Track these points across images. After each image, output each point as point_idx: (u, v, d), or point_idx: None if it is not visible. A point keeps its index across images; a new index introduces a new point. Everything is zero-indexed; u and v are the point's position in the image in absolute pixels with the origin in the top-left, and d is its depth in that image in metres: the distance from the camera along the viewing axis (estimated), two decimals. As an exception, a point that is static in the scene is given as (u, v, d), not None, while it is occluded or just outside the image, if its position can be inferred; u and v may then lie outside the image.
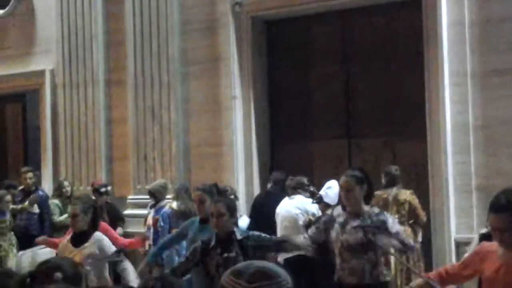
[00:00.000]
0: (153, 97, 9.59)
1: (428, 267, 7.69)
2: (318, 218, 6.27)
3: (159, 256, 7.21)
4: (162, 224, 8.00)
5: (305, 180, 7.67)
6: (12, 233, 9.12)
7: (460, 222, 7.77)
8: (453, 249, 7.77)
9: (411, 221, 7.68)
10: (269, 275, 2.15)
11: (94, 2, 10.19)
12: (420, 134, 8.18)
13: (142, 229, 8.58)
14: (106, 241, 5.77)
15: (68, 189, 9.66)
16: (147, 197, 8.75)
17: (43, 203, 9.56)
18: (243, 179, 9.11)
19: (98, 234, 5.77)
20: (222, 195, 7.87)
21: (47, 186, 10.43)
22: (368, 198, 5.23)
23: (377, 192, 7.74)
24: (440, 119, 7.87)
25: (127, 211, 9.62)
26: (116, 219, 9.12)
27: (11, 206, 9.22)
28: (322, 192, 7.00)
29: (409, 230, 7.63)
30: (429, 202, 8.00)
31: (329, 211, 5.70)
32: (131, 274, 5.75)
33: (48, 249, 7.50)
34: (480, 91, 7.72)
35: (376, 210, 5.22)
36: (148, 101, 9.62)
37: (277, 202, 7.71)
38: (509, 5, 7.66)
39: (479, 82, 7.73)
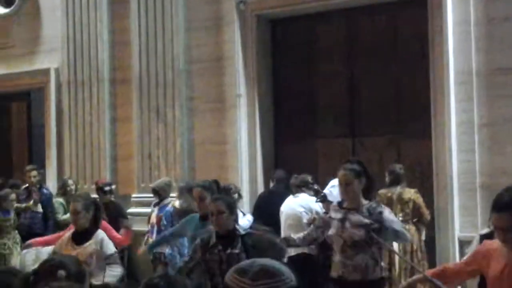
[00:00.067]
0: (158, 95, 9.60)
1: (432, 265, 7.67)
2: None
3: (157, 247, 7.26)
4: (165, 223, 8.00)
5: (309, 178, 7.67)
6: (16, 231, 9.14)
7: (464, 220, 7.76)
8: (457, 248, 7.76)
9: (415, 220, 7.68)
10: (273, 273, 2.15)
11: (100, 1, 10.21)
12: (425, 132, 8.17)
13: (146, 228, 8.60)
14: (107, 240, 5.73)
15: (73, 187, 9.67)
16: (151, 195, 8.76)
17: (47, 201, 9.58)
18: (247, 177, 9.11)
19: (100, 233, 5.73)
20: (225, 193, 7.90)
21: (51, 185, 10.46)
22: (367, 192, 5.16)
23: (381, 191, 7.75)
24: (445, 118, 7.86)
25: (131, 210, 9.64)
26: (121, 218, 9.12)
27: (15, 205, 9.24)
28: (326, 191, 6.99)
29: (413, 228, 7.63)
30: (433, 200, 7.99)
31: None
32: (112, 276, 5.65)
33: (52, 248, 7.50)
34: (485, 89, 7.71)
35: (374, 204, 5.14)
36: (152, 100, 9.63)
37: (281, 200, 7.72)
38: (514, 3, 7.65)
39: (484, 81, 7.71)
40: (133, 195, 9.79)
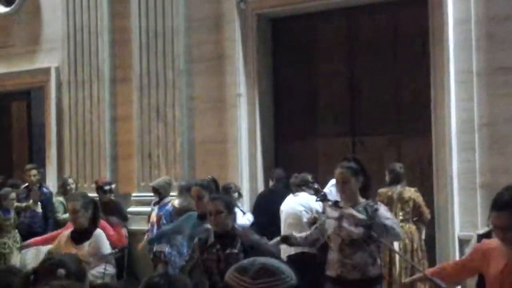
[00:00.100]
0: (158, 95, 9.60)
1: (432, 265, 7.67)
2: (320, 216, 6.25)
3: (157, 241, 7.27)
4: (164, 222, 7.99)
5: (309, 177, 7.68)
6: (16, 230, 9.15)
7: (464, 220, 7.76)
8: (457, 247, 7.76)
9: (415, 219, 7.68)
10: (273, 272, 2.16)
11: (100, 0, 10.21)
12: (425, 131, 8.17)
13: (146, 227, 8.60)
14: (104, 240, 5.68)
15: (73, 186, 9.68)
16: (151, 194, 8.76)
17: (47, 200, 9.58)
18: (247, 176, 9.11)
19: (98, 232, 5.70)
20: (225, 192, 7.90)
21: (51, 184, 10.46)
22: (364, 190, 5.13)
23: (382, 190, 7.75)
24: (446, 117, 7.86)
25: (131, 208, 9.64)
26: (121, 218, 9.13)
27: (16, 204, 9.24)
28: (326, 190, 7.00)
29: (413, 227, 7.63)
30: (433, 199, 7.99)
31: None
32: (106, 275, 5.63)
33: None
34: (486, 88, 7.70)
35: (371, 202, 5.11)
36: (153, 99, 9.63)
37: (281, 199, 7.73)
38: (515, 2, 7.65)
39: (484, 80, 7.71)
40: (133, 194, 9.79)
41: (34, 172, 9.83)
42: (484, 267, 3.73)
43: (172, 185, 8.73)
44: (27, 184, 9.85)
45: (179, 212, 7.64)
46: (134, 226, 9.25)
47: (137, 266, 9.15)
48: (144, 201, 9.35)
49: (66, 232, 5.93)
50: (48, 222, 9.41)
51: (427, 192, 7.98)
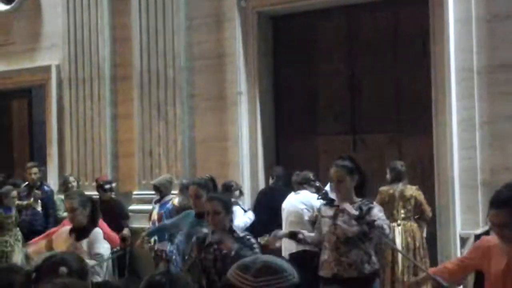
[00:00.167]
0: (159, 92, 9.60)
1: (433, 263, 7.69)
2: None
3: (154, 236, 7.27)
4: (165, 220, 7.99)
5: (311, 175, 7.68)
6: (18, 228, 9.15)
7: (466, 218, 7.76)
8: (458, 245, 7.75)
9: (416, 217, 7.69)
10: (275, 270, 2.16)
11: (100, -2, 10.22)
12: (426, 130, 8.17)
13: (147, 225, 8.60)
14: (100, 239, 5.56)
15: (74, 184, 9.68)
16: (152, 192, 8.77)
17: (47, 198, 9.59)
18: (248, 174, 9.11)
19: (96, 231, 5.60)
20: (226, 190, 7.91)
21: (52, 182, 10.47)
22: (359, 189, 5.13)
23: (383, 188, 7.76)
24: (446, 115, 7.85)
25: (132, 207, 9.64)
26: (122, 216, 9.13)
27: (17, 202, 9.25)
28: (327, 188, 6.99)
29: (415, 225, 7.64)
30: (434, 197, 7.99)
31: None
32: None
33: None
34: (487, 87, 7.70)
35: (366, 201, 5.11)
36: (153, 97, 9.63)
37: (282, 197, 7.73)
38: (516, 0, 7.65)
39: (485, 78, 7.71)
40: (134, 192, 9.79)
41: (35, 170, 9.83)
42: (484, 265, 3.74)
43: (173, 183, 8.74)
44: (27, 182, 9.85)
45: (179, 210, 7.65)
46: (135, 224, 9.24)
47: (139, 265, 9.15)
48: (145, 199, 9.36)
49: (64, 228, 5.87)
50: (49, 220, 9.42)
51: (428, 190, 7.98)
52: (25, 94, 11.55)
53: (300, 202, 7.49)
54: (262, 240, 5.94)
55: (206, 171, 8.36)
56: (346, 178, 5.06)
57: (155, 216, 8.39)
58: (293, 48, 9.30)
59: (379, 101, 8.73)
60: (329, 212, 5.15)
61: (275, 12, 9.32)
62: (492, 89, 7.67)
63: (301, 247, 6.96)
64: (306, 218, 7.35)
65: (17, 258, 8.65)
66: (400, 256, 7.40)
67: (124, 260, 8.78)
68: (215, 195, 5.47)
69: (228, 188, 8.12)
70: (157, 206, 8.49)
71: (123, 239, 8.44)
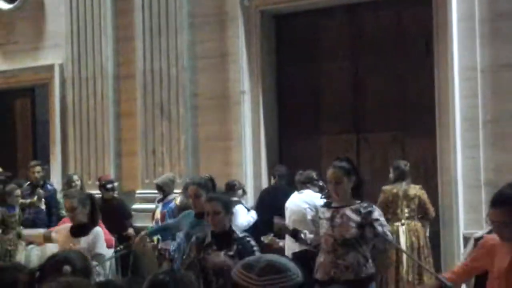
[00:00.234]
0: (162, 91, 9.60)
1: (437, 262, 7.69)
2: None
3: (155, 235, 7.27)
4: (168, 220, 7.98)
5: (314, 174, 7.67)
6: (21, 227, 9.16)
7: (469, 217, 7.75)
8: (462, 245, 7.74)
9: (420, 216, 7.68)
10: (279, 269, 2.16)
11: (103, -3, 10.22)
12: (429, 129, 8.16)
13: (150, 224, 8.60)
14: (100, 239, 5.56)
15: (78, 183, 9.66)
16: (156, 191, 8.76)
17: (51, 197, 9.60)
18: (251, 174, 9.11)
19: (97, 230, 5.58)
20: (230, 189, 7.90)
21: (56, 181, 10.47)
22: (356, 190, 5.11)
23: (386, 187, 7.75)
24: (450, 114, 7.84)
25: (135, 206, 9.65)
26: (124, 215, 9.13)
27: (20, 201, 9.25)
28: (330, 187, 6.98)
29: (419, 225, 7.63)
30: (438, 197, 7.98)
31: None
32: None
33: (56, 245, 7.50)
34: (490, 86, 7.69)
35: (365, 203, 5.10)
36: (156, 96, 9.63)
37: (284, 196, 7.72)
38: (519, -1, 7.64)
39: (489, 77, 7.70)
40: (137, 191, 9.79)
41: (38, 169, 9.83)
42: (489, 264, 3.75)
43: (176, 182, 8.73)
44: (29, 182, 9.86)
45: (180, 209, 7.66)
46: (138, 224, 9.24)
47: (142, 264, 9.15)
48: (148, 198, 9.36)
49: (64, 226, 5.85)
50: (52, 218, 9.42)
51: (432, 189, 7.98)
52: (28, 93, 11.55)
53: (303, 201, 7.48)
54: (266, 239, 5.94)
55: (209, 170, 8.36)
56: (343, 180, 5.06)
57: (158, 215, 8.39)
58: (296, 47, 9.30)
59: (382, 100, 8.72)
60: (326, 214, 5.14)
61: (278, 10, 9.31)
62: (495, 88, 7.66)
63: (303, 247, 6.95)
64: (309, 217, 7.31)
65: (21, 256, 8.65)
66: (404, 255, 7.39)
67: (127, 259, 8.78)
68: (214, 195, 5.44)
69: (231, 187, 8.13)
70: (160, 205, 8.49)
71: (128, 238, 8.43)
